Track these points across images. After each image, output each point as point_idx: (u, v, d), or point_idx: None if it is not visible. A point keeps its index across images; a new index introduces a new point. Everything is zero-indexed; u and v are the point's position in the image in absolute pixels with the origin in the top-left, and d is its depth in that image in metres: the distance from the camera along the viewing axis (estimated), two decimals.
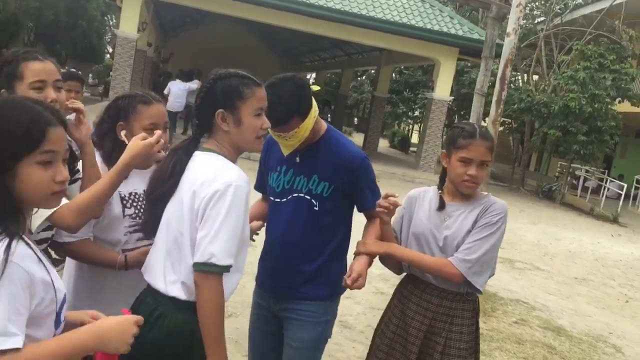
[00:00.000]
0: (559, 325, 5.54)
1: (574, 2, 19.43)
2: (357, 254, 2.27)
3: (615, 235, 12.41)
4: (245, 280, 2.45)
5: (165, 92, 14.39)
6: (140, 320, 1.40)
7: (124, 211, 2.10)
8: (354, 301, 5.10)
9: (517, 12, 5.74)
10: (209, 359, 1.68)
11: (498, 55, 6.52)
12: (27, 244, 1.24)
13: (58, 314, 1.30)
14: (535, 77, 19.18)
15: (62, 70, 2.29)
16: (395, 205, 2.17)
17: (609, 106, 15.28)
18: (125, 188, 2.06)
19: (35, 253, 1.25)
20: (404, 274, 2.40)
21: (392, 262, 2.35)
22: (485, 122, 8.24)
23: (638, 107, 15.74)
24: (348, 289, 2.24)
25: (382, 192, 2.31)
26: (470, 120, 6.70)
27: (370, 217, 2.40)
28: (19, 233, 1.23)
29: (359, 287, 2.15)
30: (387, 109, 27.34)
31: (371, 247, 2.25)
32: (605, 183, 17.10)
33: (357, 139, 22.92)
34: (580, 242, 10.69)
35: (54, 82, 1.93)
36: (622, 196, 15.87)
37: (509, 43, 5.82)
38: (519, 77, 19.17)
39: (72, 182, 1.97)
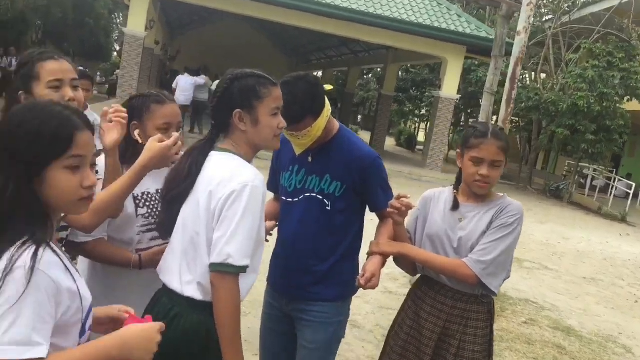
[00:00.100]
0: (569, 326, 5.51)
1: (582, 0, 19.32)
2: (370, 254, 2.26)
3: (623, 234, 12.34)
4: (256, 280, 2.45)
5: (173, 85, 14.62)
6: (163, 327, 1.38)
7: (136, 211, 2.10)
8: (363, 300, 5.09)
9: (528, 11, 5.70)
10: (225, 359, 1.68)
11: (507, 54, 6.49)
12: (54, 251, 1.22)
13: (84, 324, 1.28)
14: (543, 75, 19.08)
15: None
16: (408, 206, 2.15)
17: (618, 105, 15.19)
18: (137, 188, 2.05)
19: (62, 261, 1.23)
20: (418, 275, 2.39)
21: (406, 263, 2.34)
22: (492, 120, 8.20)
23: None
24: (360, 289, 2.23)
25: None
26: (480, 120, 6.68)
27: (382, 217, 2.39)
28: (46, 240, 1.21)
29: (373, 287, 2.14)
30: (394, 107, 27.29)
31: (384, 247, 2.24)
32: (613, 182, 16.99)
33: (364, 137, 22.87)
34: (588, 242, 10.63)
35: (70, 81, 1.94)
36: (631, 195, 15.77)
37: (520, 42, 5.78)
38: (527, 76, 19.08)
39: None
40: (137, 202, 2.10)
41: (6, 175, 1.19)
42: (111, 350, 1.26)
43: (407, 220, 2.26)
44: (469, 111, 24.20)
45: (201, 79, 15.05)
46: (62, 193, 1.24)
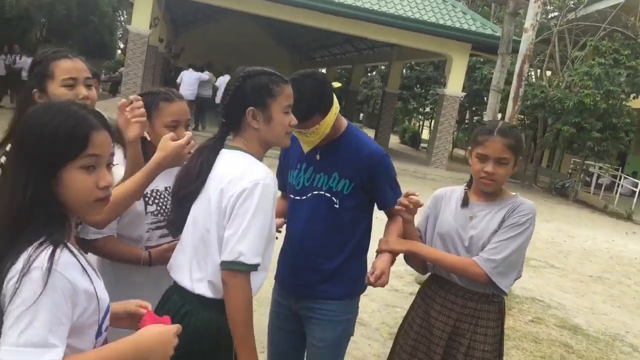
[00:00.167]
0: (575, 324, 5.49)
1: None
2: (379, 251, 2.25)
3: (629, 233, 12.29)
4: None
5: (178, 81, 14.74)
6: (180, 330, 1.36)
7: (146, 208, 2.10)
8: (369, 298, 5.08)
9: (536, 8, 5.67)
10: (239, 356, 1.69)
11: (514, 51, 6.46)
12: (72, 252, 1.22)
13: (100, 325, 1.28)
14: (549, 73, 19.00)
15: None
16: (417, 204, 2.14)
17: (624, 102, 15.13)
18: None
19: (79, 262, 1.23)
20: (428, 274, 2.38)
21: (416, 262, 2.33)
22: (498, 118, 8.17)
23: None
24: (368, 287, 2.22)
25: None
26: (486, 117, 6.66)
27: (391, 215, 2.38)
28: (63, 241, 1.20)
29: (382, 285, 2.13)
30: (398, 104, 27.23)
31: (393, 244, 2.23)
32: (619, 180, 16.92)
33: (367, 134, 22.82)
34: (594, 240, 10.60)
35: (84, 79, 1.95)
36: (637, 193, 15.70)
37: (527, 39, 5.75)
38: (532, 73, 19.00)
39: None
40: (147, 199, 2.10)
41: (26, 176, 1.19)
42: (127, 353, 1.24)
43: (418, 219, 2.25)
44: (473, 109, 24.12)
45: (205, 75, 15.15)
46: (77, 194, 1.23)
